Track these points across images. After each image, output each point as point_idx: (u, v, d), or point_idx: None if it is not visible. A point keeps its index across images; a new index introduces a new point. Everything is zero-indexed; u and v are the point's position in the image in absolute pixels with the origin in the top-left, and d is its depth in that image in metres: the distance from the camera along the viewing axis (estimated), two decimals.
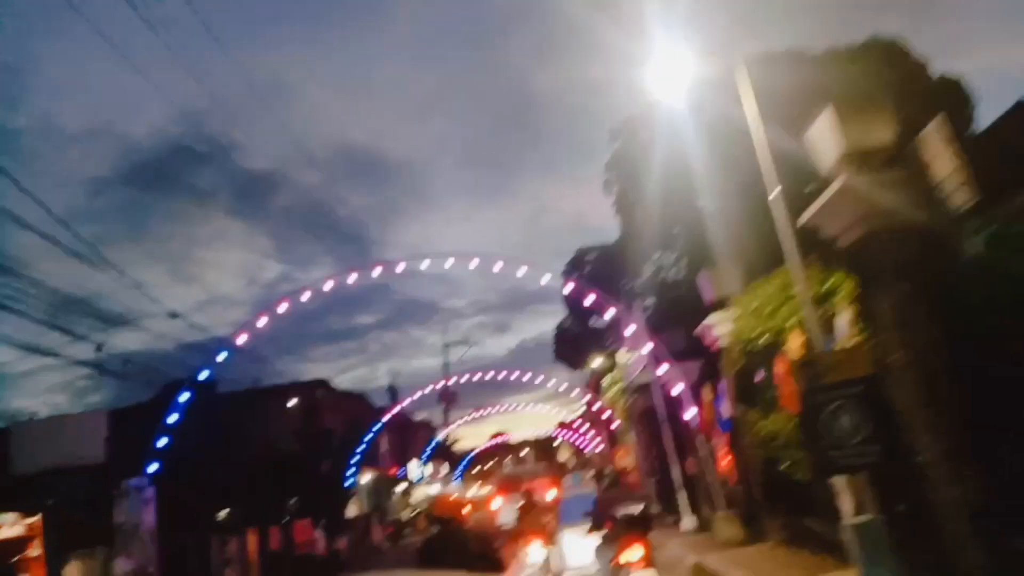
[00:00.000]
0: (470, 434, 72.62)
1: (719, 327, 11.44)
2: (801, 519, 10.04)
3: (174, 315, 16.88)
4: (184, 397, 16.69)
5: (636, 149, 21.78)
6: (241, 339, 16.80)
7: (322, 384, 29.34)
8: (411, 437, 48.98)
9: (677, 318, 18.33)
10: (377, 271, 15.95)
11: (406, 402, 38.81)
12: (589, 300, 20.60)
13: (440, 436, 52.06)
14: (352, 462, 27.26)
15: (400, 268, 16.06)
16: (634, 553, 8.50)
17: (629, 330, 20.97)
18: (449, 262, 16.19)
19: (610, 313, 19.86)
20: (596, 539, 9.18)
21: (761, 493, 11.13)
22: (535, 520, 13.23)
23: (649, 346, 17.59)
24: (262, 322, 15.73)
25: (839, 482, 7.18)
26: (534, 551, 12.47)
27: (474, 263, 17.84)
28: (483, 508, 18.93)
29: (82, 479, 17.80)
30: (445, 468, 51.73)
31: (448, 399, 52.10)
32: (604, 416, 36.18)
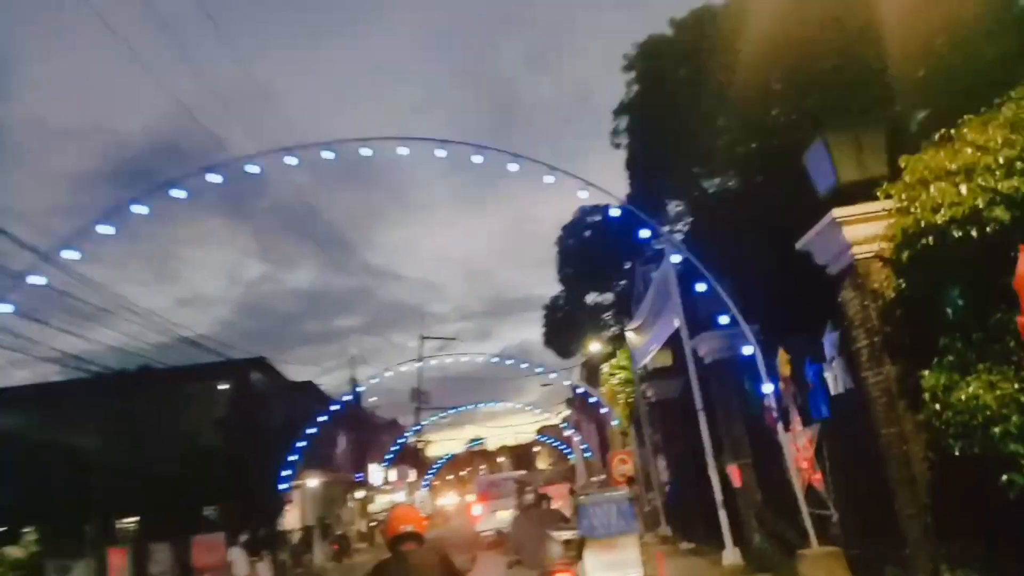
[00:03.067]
0: (444, 441, 67.60)
1: (856, 229, 6.49)
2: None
3: None
4: None
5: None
6: None
7: (259, 364, 24.01)
8: (375, 438, 43.61)
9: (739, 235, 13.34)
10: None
11: (372, 398, 34.10)
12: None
13: (409, 438, 46.80)
14: (289, 461, 21.95)
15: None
16: None
17: (644, 301, 16.03)
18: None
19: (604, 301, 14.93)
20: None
21: (932, 516, 6.15)
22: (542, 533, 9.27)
23: (676, 305, 12.58)
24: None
25: None
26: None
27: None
28: (461, 517, 15.20)
29: None
30: (412, 474, 46.39)
31: (420, 398, 46.97)
32: (599, 414, 31.18)
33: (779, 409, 9.65)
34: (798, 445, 9.26)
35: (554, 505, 10.27)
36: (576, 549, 8.22)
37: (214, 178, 10.40)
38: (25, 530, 19.51)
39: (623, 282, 23.58)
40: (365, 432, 39.57)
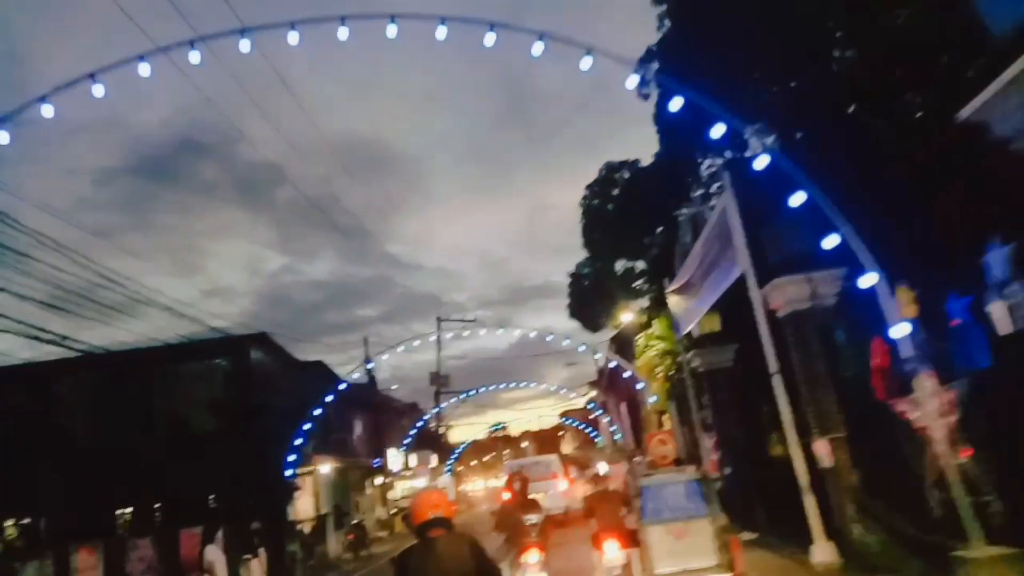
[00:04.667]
0: (466, 426, 65.83)
1: None
2: None
3: None
4: None
5: None
6: None
7: (260, 340, 21.97)
8: (394, 422, 41.74)
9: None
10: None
11: (394, 386, 32.27)
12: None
13: (430, 422, 44.91)
14: (296, 445, 19.96)
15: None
16: (531, 556, 9.40)
17: (691, 254, 13.68)
18: None
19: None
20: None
21: None
22: (609, 512, 9.90)
23: (740, 248, 10.19)
24: None
25: None
26: (611, 552, 9.58)
27: None
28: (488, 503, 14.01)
29: None
30: (434, 460, 44.46)
31: (439, 382, 44.98)
32: (630, 393, 28.94)
33: (901, 365, 7.34)
34: (932, 409, 6.95)
35: (611, 486, 9.89)
36: (541, 531, 9.31)
37: (144, 69, 8.24)
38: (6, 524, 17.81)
39: (655, 249, 21.22)
40: (383, 416, 37.65)
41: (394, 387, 39.38)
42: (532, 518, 9.69)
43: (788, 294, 9.76)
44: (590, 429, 51.63)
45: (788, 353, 10.01)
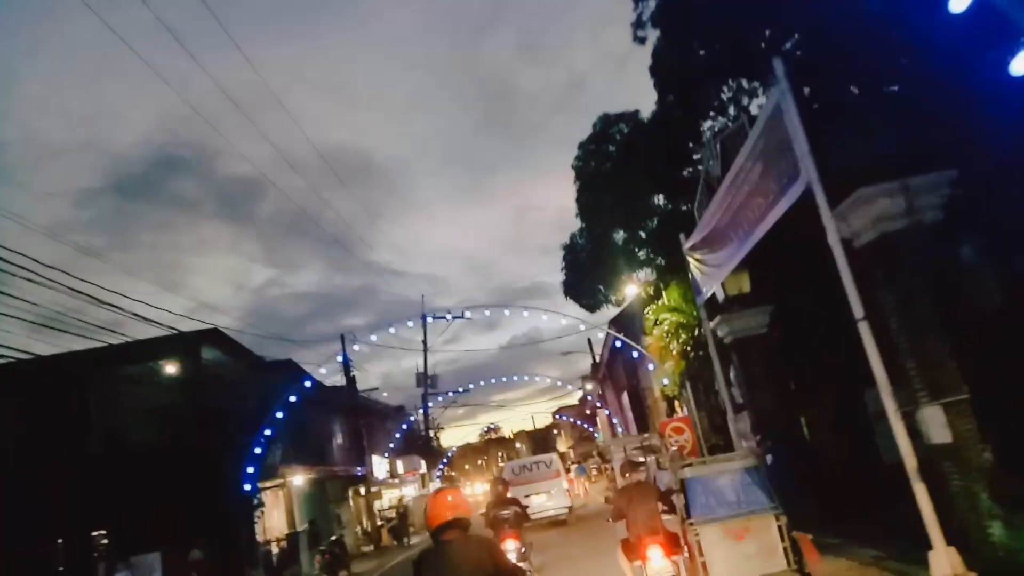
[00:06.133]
0: (458, 429, 63.18)
1: None
2: None
3: None
4: None
5: None
6: None
7: (213, 337, 19.09)
8: (379, 427, 38.90)
9: None
10: None
11: (384, 393, 29.40)
12: None
13: (417, 426, 42.10)
14: (256, 455, 17.15)
15: None
16: (508, 545, 9.52)
17: (718, 193, 11.05)
18: None
19: None
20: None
21: None
22: (646, 511, 7.88)
23: (804, 154, 7.53)
24: None
25: None
26: (657, 561, 7.56)
27: None
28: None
29: None
30: (423, 465, 41.65)
31: (427, 382, 42.19)
32: (632, 382, 26.43)
33: None
34: None
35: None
36: (514, 524, 9.75)
37: None
38: None
39: (662, 210, 18.58)
40: (367, 420, 34.77)
41: (375, 389, 36.50)
42: (505, 513, 10.28)
43: (875, 210, 7.14)
44: (587, 424, 49.09)
45: (874, 294, 7.39)
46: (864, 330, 6.96)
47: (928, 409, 6.93)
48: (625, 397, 30.50)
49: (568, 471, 28.99)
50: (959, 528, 6.80)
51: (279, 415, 17.53)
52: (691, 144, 17.86)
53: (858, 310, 7.06)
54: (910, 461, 6.76)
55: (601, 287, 19.74)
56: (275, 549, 19.90)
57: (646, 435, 14.07)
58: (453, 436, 60.04)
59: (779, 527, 8.07)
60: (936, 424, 6.88)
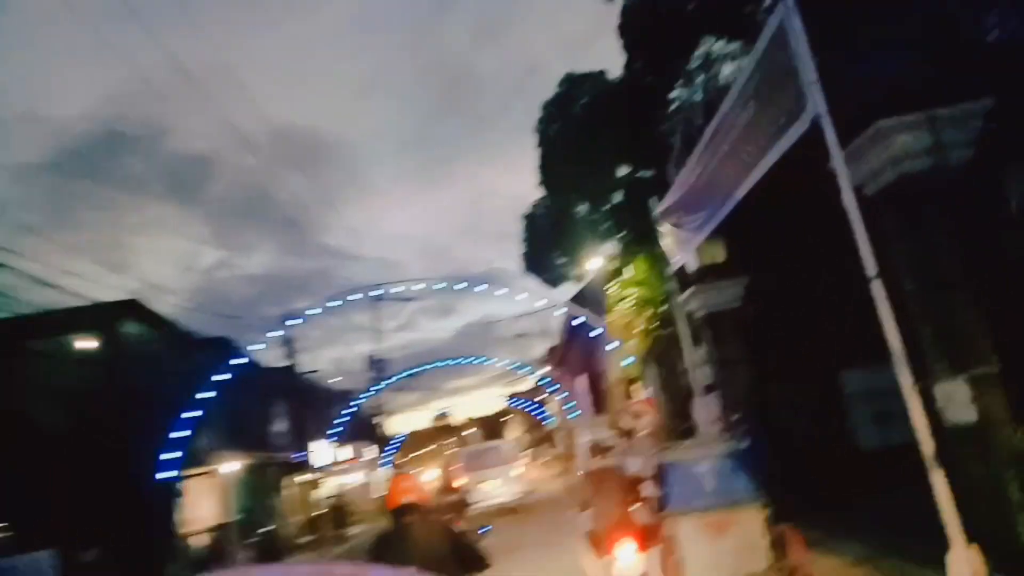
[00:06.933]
0: (409, 416, 61.71)
1: None
2: None
3: None
4: None
5: None
6: None
7: (132, 309, 17.24)
8: (323, 412, 37.12)
9: None
10: None
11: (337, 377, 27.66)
12: None
13: (361, 407, 40.47)
14: (176, 440, 15.46)
15: None
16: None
17: (702, 141, 9.88)
18: None
19: None
20: None
21: None
22: (616, 500, 7.03)
23: (810, 84, 6.37)
24: None
25: None
26: (627, 558, 6.82)
27: None
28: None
29: None
30: (370, 451, 40.08)
31: (377, 366, 40.56)
32: (592, 363, 25.40)
33: None
34: None
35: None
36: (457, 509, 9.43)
37: None
38: None
39: (620, 192, 17.48)
40: (311, 404, 33.01)
41: (317, 371, 34.73)
42: (447, 500, 10.41)
43: (895, 147, 6.02)
44: (539, 410, 48.11)
45: (887, 247, 6.29)
46: (878, 290, 5.84)
47: (948, 384, 5.87)
48: (582, 380, 29.49)
49: (521, 457, 28.42)
50: (978, 523, 5.79)
51: (205, 395, 15.83)
52: (658, 112, 16.80)
53: (871, 266, 5.91)
54: (927, 445, 5.68)
55: (563, 260, 18.56)
56: (201, 543, 18.25)
57: (621, 410, 13.07)
58: (404, 422, 58.56)
59: (764, 519, 7.13)
60: (958, 401, 5.83)
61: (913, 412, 5.74)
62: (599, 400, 25.78)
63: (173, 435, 15.64)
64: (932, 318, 6.00)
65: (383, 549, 3.95)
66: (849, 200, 5.89)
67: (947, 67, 5.96)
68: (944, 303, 5.90)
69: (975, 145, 5.89)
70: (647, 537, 7.08)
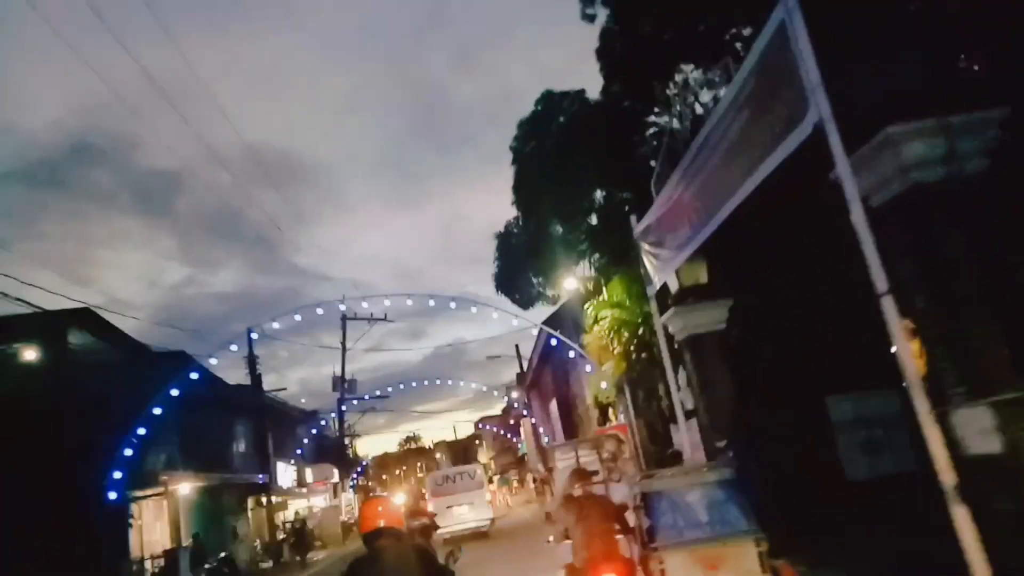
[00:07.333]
0: (379, 440, 60.43)
1: None
2: None
3: None
4: None
5: None
6: None
7: (84, 318, 16.31)
8: (288, 432, 35.96)
9: None
10: None
11: (302, 399, 26.72)
12: None
13: (331, 431, 39.33)
14: (125, 458, 14.51)
15: None
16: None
17: (687, 155, 9.46)
18: None
19: None
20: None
21: None
22: (600, 529, 6.47)
23: (815, 84, 5.95)
24: None
25: None
26: None
27: None
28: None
29: None
30: (335, 474, 38.86)
31: (344, 386, 39.49)
32: (563, 389, 24.84)
33: None
34: None
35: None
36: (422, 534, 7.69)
37: None
38: None
39: (594, 213, 17.08)
40: (275, 425, 31.90)
41: (283, 389, 33.72)
42: (415, 523, 9.35)
43: (906, 155, 5.61)
44: (510, 435, 47.31)
45: (896, 263, 5.85)
46: (888, 306, 5.37)
47: (969, 410, 5.41)
48: (554, 405, 28.88)
49: (491, 482, 27.94)
50: (1004, 562, 5.30)
51: (158, 412, 14.93)
52: (635, 137, 16.49)
53: (881, 282, 5.44)
54: (948, 477, 5.19)
55: (537, 280, 18.01)
56: (151, 568, 17.17)
57: (604, 434, 12.39)
58: (372, 444, 57.26)
59: (759, 554, 6.59)
60: (979, 429, 5.36)
61: (930, 441, 5.25)
62: (570, 425, 25.19)
63: (125, 453, 14.72)
64: (947, 339, 5.55)
65: (357, 574, 3.92)
66: (857, 211, 5.45)
67: (960, 72, 5.58)
68: (962, 322, 5.45)
69: (991, 155, 5.50)
70: (632, 571, 6.55)
